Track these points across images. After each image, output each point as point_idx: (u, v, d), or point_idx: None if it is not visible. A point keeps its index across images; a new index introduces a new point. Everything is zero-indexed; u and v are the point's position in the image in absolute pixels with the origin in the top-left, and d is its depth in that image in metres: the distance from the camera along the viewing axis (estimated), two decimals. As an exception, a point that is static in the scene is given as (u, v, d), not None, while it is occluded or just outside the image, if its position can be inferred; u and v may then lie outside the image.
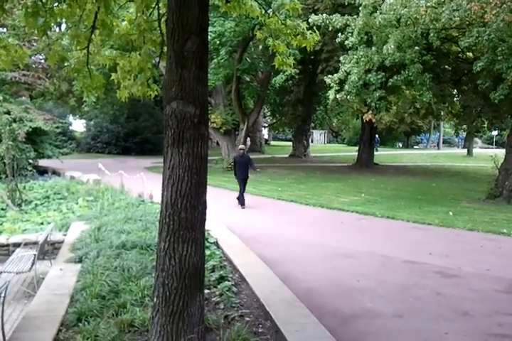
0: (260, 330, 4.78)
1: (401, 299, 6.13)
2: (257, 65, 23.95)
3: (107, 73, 10.71)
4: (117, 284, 5.68)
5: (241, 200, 13.71)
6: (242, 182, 13.76)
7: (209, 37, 18.88)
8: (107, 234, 8.09)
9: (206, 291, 5.49)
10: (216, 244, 8.01)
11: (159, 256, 4.18)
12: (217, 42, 20.33)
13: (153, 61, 6.00)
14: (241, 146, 14.97)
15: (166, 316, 4.10)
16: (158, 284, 4.16)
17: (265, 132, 54.39)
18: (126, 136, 37.59)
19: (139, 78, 5.59)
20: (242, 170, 13.77)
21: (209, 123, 24.36)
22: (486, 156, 17.18)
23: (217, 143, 30.35)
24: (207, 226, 8.39)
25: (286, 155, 35.36)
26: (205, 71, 4.34)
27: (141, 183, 13.99)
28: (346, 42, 16.73)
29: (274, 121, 44.23)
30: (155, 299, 4.18)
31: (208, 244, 7.56)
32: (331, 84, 18.22)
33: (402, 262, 8.01)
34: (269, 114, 45.40)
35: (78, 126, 44.67)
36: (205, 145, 4.27)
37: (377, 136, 54.18)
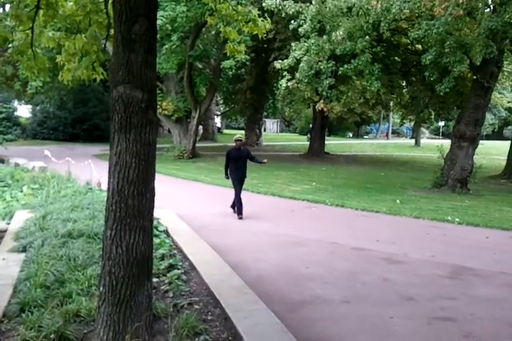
0: (209, 318, 4.76)
1: (349, 285, 6.24)
2: (209, 51, 23.71)
3: (53, 57, 10.35)
4: (63, 273, 5.51)
5: (238, 208, 10.62)
6: (239, 184, 10.78)
7: (161, 22, 18.75)
8: (53, 222, 7.84)
9: (155, 280, 5.42)
10: (166, 232, 7.91)
11: (106, 244, 4.08)
12: (169, 27, 19.99)
13: (101, 44, 5.82)
14: (238, 136, 11.12)
15: (113, 305, 4.02)
16: (104, 273, 4.07)
17: (218, 120, 54.21)
18: (74, 122, 36.61)
19: (84, 61, 5.40)
20: (239, 167, 10.71)
21: (160, 111, 24.22)
22: (433, 146, 17.73)
23: (169, 131, 30.01)
24: (157, 215, 8.30)
25: (239, 144, 35.34)
26: (154, 55, 4.23)
27: (89, 171, 13.65)
28: (299, 29, 16.78)
29: (227, 109, 44.05)
30: (101, 288, 4.08)
31: (157, 233, 7.46)
32: (283, 73, 18.28)
33: (351, 249, 8.15)
34: (221, 102, 45.16)
35: (24, 111, 43.02)
36: (154, 131, 4.17)
37: (310, 125, 55.15)
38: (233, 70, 26.11)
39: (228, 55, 7.25)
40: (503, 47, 15.54)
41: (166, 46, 21.25)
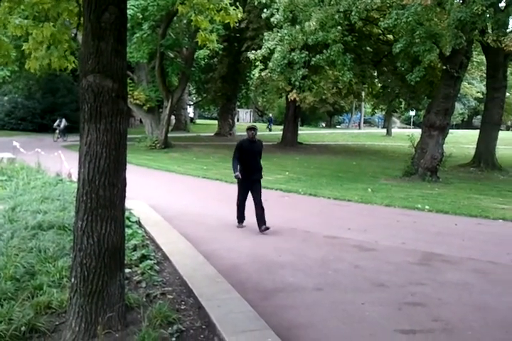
0: (183, 307, 4.77)
1: (321, 272, 6.32)
2: (181, 40, 23.49)
3: (21, 45, 10.12)
4: (33, 266, 5.44)
5: (240, 216, 8.83)
6: (251, 186, 8.49)
7: (132, 11, 18.47)
8: (22, 214, 7.72)
9: (127, 270, 5.40)
10: (138, 223, 7.87)
11: (77, 235, 4.05)
12: (140, 16, 19.72)
13: (71, 33, 5.72)
14: (252, 125, 9.04)
15: (85, 296, 4.00)
16: (76, 264, 4.04)
17: (190, 110, 53.85)
18: (43, 112, 35.89)
19: (55, 50, 5.31)
20: (251, 165, 8.48)
21: (132, 100, 23.94)
22: (404, 136, 17.96)
23: (141, 121, 29.72)
24: (129, 206, 8.25)
25: (212, 134, 35.25)
26: (124, 43, 4.19)
27: (59, 162, 13.45)
28: (272, 19, 16.75)
29: (200, 99, 43.81)
30: (73, 279, 4.05)
31: (129, 223, 7.41)
32: (256, 63, 18.25)
33: (323, 237, 8.23)
34: (194, 91, 44.87)
35: (-9, 102, 41.99)
36: (124, 121, 4.14)
37: (270, 115, 55.56)
38: (206, 60, 25.95)
39: (200, 44, 7.21)
40: (472, 37, 15.79)
41: (137, 35, 20.98)
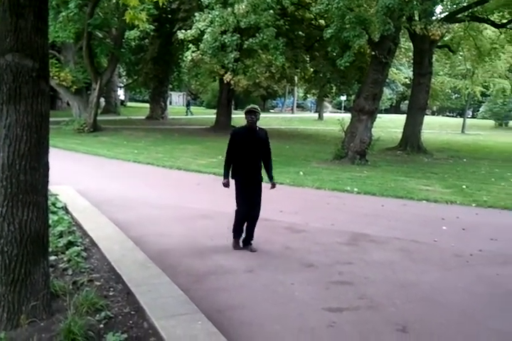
0: (111, 294, 4.69)
1: (252, 255, 6.39)
2: (110, 20, 22.66)
3: None
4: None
5: (239, 231, 6.69)
6: (251, 191, 6.51)
7: (56, -13, 17.52)
8: None
9: (53, 258, 5.24)
10: (65, 208, 7.61)
11: (-3, 222, 3.87)
12: (66, -7, 18.86)
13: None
14: (251, 106, 6.38)
15: (7, 285, 3.86)
16: (-4, 252, 3.87)
17: (121, 93, 52.48)
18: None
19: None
20: (250, 160, 6.47)
21: (58, 82, 23.00)
22: (335, 120, 18.31)
23: (68, 104, 28.64)
24: (54, 191, 8.00)
25: (143, 117, 34.52)
26: (45, 21, 3.99)
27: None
28: (203, 0, 16.51)
29: (130, 81, 42.70)
30: (-7, 268, 3.89)
31: (55, 209, 7.17)
32: (189, 45, 17.97)
33: (255, 220, 8.30)
34: (124, 73, 43.68)
35: None
36: (46, 102, 3.97)
37: (189, 98, 54.94)
38: (136, 41, 25.25)
39: (128, 22, 6.96)
40: (399, 24, 16.23)
41: (63, 14, 20.08)
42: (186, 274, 5.50)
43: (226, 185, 6.50)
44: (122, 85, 50.80)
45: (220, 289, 5.13)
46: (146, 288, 4.63)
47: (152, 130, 26.18)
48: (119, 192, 10.15)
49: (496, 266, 6.44)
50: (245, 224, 6.67)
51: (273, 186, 6.65)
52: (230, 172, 6.54)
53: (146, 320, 4.12)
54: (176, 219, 8.17)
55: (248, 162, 6.43)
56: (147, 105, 39.40)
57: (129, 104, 55.15)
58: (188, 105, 46.57)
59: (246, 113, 6.34)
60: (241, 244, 6.68)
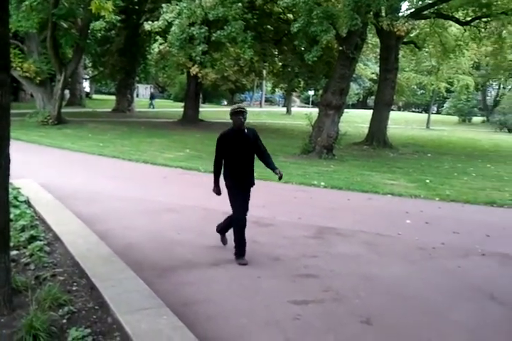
0: (74, 288, 4.61)
1: (219, 249, 6.37)
2: (75, 10, 22.11)
3: None
4: None
5: (223, 227, 6.52)
6: (247, 194, 6.35)
7: (18, -25, 17.01)
8: None
9: (14, 252, 5.11)
10: (27, 202, 7.42)
11: (-46, 216, 3.75)
12: (29, -19, 18.34)
13: None
14: (237, 106, 6.15)
15: (-35, 281, 3.75)
16: (-47, 247, 3.75)
17: (86, 85, 51.49)
18: None
19: None
20: (241, 164, 6.11)
21: (21, 73, 22.39)
22: (302, 114, 18.36)
23: (32, 95, 27.92)
24: (17, 185, 7.81)
25: (109, 110, 33.99)
26: (5, 10, 3.87)
27: None
28: (170, -9, 16.33)
29: (96, 73, 41.95)
30: (-49, 263, 3.77)
31: (17, 203, 6.98)
32: (156, 37, 17.75)
33: (223, 214, 8.18)
34: (90, 65, 42.86)
35: None
36: (7, 94, 3.86)
37: (152, 90, 54.17)
38: (102, 32, 24.77)
39: (93, 12, 6.82)
40: (366, 20, 16.36)
41: (26, 3, 19.48)
42: (152, 268, 5.44)
43: (217, 192, 6.19)
44: (88, 77, 49.86)
45: (186, 283, 5.10)
46: (111, 282, 4.56)
47: (118, 123, 25.78)
48: (84, 186, 9.96)
49: (457, 258, 6.58)
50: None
51: (281, 176, 6.37)
52: (222, 177, 6.13)
53: (111, 314, 4.06)
54: (141, 212, 8.07)
55: (241, 165, 6.09)
56: (113, 97, 38.76)
57: (94, 96, 54.15)
58: (151, 98, 45.68)
59: (233, 114, 5.96)
60: (224, 238, 6.53)
